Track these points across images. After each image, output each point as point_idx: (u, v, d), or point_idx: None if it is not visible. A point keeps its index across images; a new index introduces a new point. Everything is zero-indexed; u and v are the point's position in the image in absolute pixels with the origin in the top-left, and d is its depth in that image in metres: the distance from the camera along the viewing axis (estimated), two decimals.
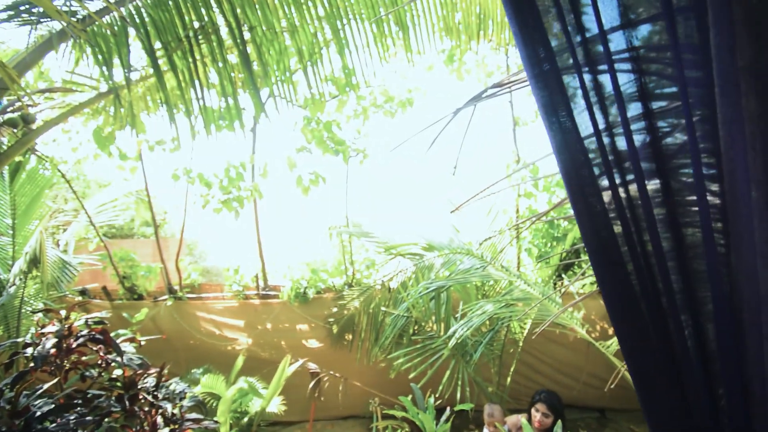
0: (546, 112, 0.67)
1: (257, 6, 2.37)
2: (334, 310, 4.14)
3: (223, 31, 2.46)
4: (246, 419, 3.36)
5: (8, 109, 2.60)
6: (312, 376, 3.27)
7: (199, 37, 2.44)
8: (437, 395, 2.72)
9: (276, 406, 3.37)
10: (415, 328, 3.57)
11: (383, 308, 3.76)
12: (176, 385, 2.78)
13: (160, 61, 2.52)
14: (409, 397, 2.55)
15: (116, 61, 2.43)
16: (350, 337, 4.08)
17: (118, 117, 3.05)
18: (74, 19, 2.19)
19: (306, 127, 3.98)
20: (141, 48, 2.47)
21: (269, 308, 4.38)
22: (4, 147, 2.69)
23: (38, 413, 2.16)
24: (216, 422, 2.78)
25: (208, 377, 3.31)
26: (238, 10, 2.36)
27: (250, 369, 3.77)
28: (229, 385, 3.33)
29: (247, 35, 2.47)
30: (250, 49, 2.54)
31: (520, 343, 3.57)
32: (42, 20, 2.24)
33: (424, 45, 2.77)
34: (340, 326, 4.06)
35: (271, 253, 4.57)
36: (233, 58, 2.71)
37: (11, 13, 2.17)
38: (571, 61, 0.65)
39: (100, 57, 2.41)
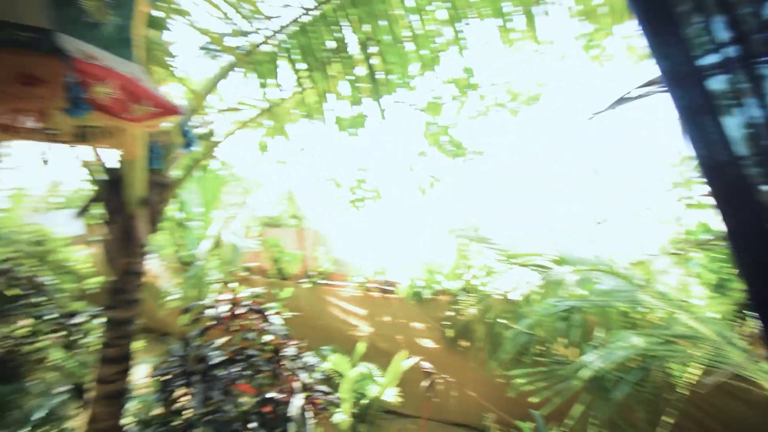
0: (686, 117, 0.55)
1: (382, 19, 2.52)
2: (449, 313, 4.13)
3: (351, 48, 2.71)
4: (365, 401, 3.65)
5: (198, 126, 3.41)
6: (425, 375, 3.35)
7: (333, 56, 2.74)
8: (565, 430, 2.42)
9: (392, 396, 3.56)
10: (540, 348, 3.27)
11: (502, 320, 3.57)
12: (309, 358, 3.20)
13: (302, 80, 2.92)
14: (529, 424, 2.35)
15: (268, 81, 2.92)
16: (466, 343, 4.01)
17: (273, 128, 3.69)
18: (241, 53, 2.73)
19: (426, 130, 4.05)
20: (290, 70, 2.90)
21: (388, 302, 4.64)
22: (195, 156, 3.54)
23: (213, 362, 2.78)
24: (339, 398, 3.11)
25: (336, 356, 3.71)
26: (366, 27, 2.55)
27: (369, 356, 4.07)
28: (352, 367, 3.68)
29: (372, 49, 2.66)
30: (375, 60, 2.73)
31: (683, 391, 2.88)
32: (220, 55, 2.88)
33: (556, 34, 2.50)
34: (455, 331, 4.03)
35: (390, 250, 4.84)
36: (360, 70, 2.96)
37: (203, 52, 2.85)
38: (715, 58, 0.52)
39: (259, 80, 2.93)
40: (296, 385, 2.83)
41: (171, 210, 5.00)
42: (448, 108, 4.00)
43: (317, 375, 3.07)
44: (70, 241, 5.52)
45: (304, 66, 2.86)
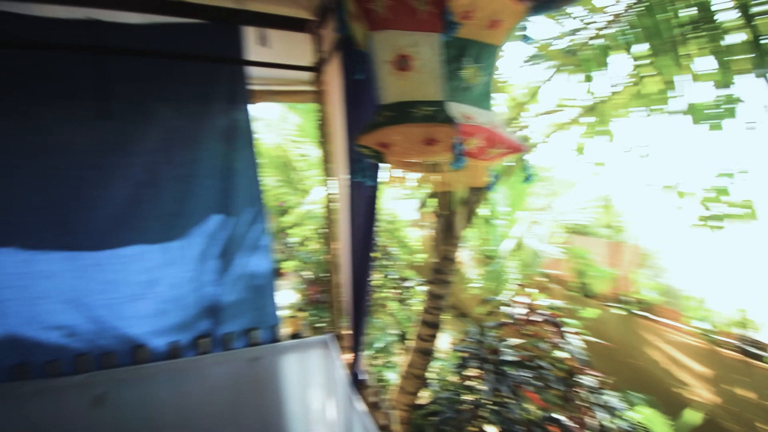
0: None
1: None
2: None
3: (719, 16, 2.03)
4: None
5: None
6: None
7: (690, 31, 2.17)
8: None
9: None
10: None
11: None
12: (612, 398, 2.83)
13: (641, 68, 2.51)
14: None
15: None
16: None
17: (594, 128, 3.39)
18: (568, 54, 2.66)
19: None
20: (623, 60, 2.57)
21: (752, 371, 3.27)
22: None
23: (505, 358, 2.99)
24: None
25: (651, 412, 3.06)
26: None
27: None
28: None
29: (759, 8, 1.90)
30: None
31: None
32: (545, 61, 2.94)
33: None
34: None
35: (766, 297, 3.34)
36: (733, 39, 2.15)
37: (530, 61, 3.01)
38: None
39: (585, 77, 2.77)
40: (592, 422, 2.59)
41: (481, 208, 5.67)
42: None
43: (621, 423, 2.67)
44: (409, 224, 7.44)
45: (645, 51, 2.43)
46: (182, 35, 1.65)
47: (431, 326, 3.58)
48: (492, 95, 0.80)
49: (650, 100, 2.78)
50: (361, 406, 1.49)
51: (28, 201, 1.60)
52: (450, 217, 3.50)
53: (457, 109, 0.72)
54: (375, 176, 0.95)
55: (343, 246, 1.79)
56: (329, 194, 2.03)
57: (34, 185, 1.59)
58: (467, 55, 0.74)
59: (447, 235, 3.49)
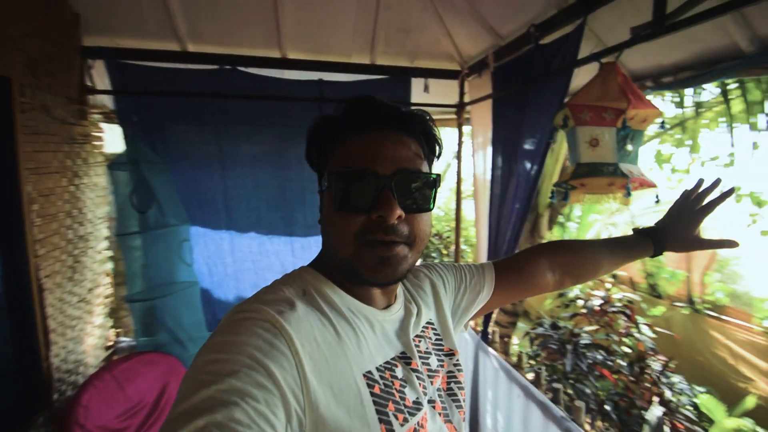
0: None
1: None
2: None
3: None
4: None
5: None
6: None
7: None
8: None
9: None
10: None
11: None
12: (679, 381, 3.27)
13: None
14: None
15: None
16: None
17: (682, 140, 3.71)
18: None
19: None
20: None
21: None
22: None
23: (581, 342, 3.49)
24: None
25: (708, 398, 3.47)
26: None
27: (757, 416, 3.43)
28: (728, 419, 3.32)
29: None
30: None
31: None
32: None
33: None
34: None
35: None
36: None
37: None
38: None
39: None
40: (655, 399, 3.04)
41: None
42: None
43: (684, 400, 3.11)
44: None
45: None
46: (372, 87, 2.35)
47: (509, 314, 4.15)
48: (638, 155, 1.38)
49: (736, 117, 3.13)
50: (488, 348, 2.11)
51: (267, 200, 2.38)
52: (535, 218, 4.04)
53: (625, 167, 1.31)
54: (565, 198, 1.53)
55: (480, 238, 2.41)
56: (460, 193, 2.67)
57: (275, 190, 2.36)
58: (629, 136, 1.33)
59: (532, 234, 4.04)
